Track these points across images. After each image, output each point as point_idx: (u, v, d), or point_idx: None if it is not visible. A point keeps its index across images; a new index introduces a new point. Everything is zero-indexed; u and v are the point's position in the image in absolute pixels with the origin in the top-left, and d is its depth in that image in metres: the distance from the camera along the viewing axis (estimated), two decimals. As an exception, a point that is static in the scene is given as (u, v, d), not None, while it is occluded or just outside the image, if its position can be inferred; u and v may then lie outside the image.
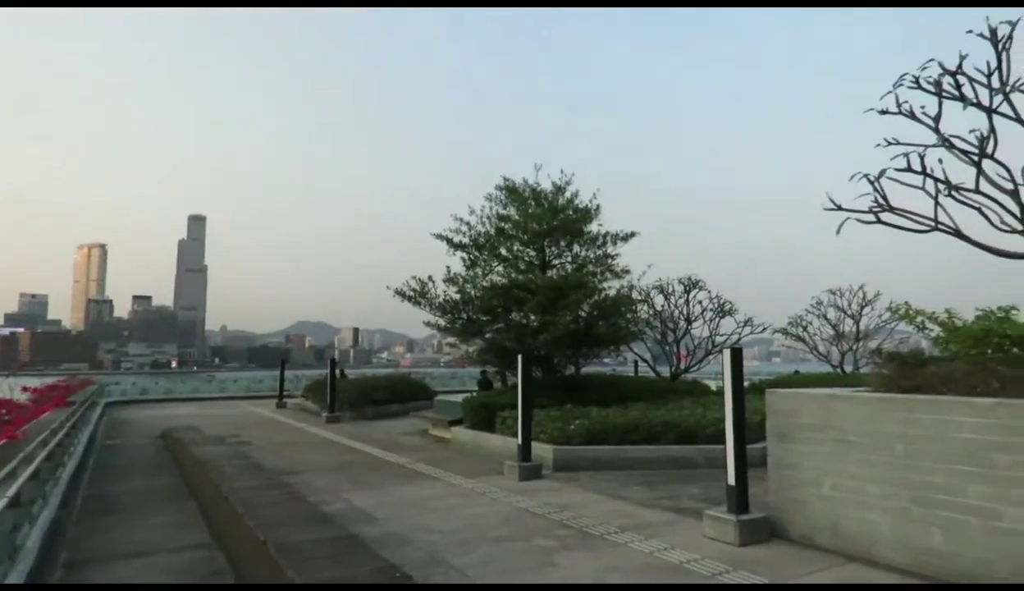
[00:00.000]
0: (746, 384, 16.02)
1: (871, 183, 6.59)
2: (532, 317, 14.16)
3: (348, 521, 6.75)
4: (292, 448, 13.71)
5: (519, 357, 10.31)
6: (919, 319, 6.78)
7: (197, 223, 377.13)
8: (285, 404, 25.22)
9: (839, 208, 6.91)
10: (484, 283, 15.20)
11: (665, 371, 18.18)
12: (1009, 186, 6.01)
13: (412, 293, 15.19)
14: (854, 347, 21.56)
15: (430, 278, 15.20)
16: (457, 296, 15.14)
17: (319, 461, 11.80)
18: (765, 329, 18.71)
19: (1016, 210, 5.87)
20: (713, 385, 16.27)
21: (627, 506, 7.68)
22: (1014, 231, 6.03)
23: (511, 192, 15.87)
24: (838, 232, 6.69)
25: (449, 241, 15.82)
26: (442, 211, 32.26)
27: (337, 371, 21.51)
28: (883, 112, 6.96)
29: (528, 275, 14.78)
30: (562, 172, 16.11)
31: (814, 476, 5.98)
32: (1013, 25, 5.96)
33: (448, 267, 15.46)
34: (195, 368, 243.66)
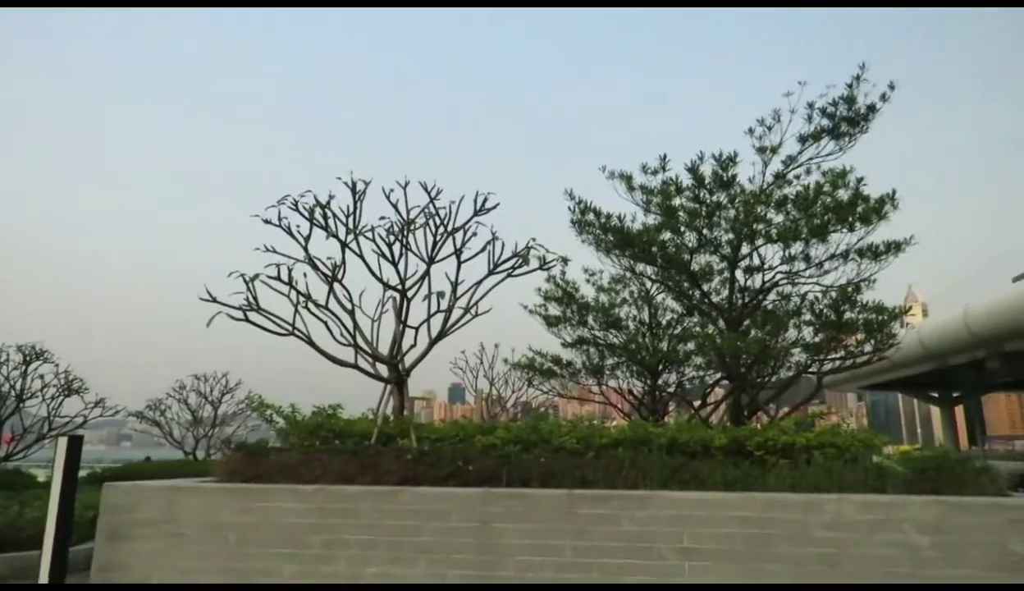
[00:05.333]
0: (86, 473, 14.02)
1: (246, 283, 7.12)
2: None
3: None
4: None
5: None
6: (268, 411, 7.48)
7: None
8: None
9: (214, 300, 7.17)
10: None
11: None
12: (349, 307, 7.45)
13: None
14: (210, 433, 21.87)
15: None
16: None
17: None
18: (118, 412, 17.18)
19: (350, 327, 7.29)
20: (43, 475, 13.70)
21: None
22: (348, 344, 7.44)
23: None
24: (208, 325, 6.91)
25: None
26: None
27: None
28: (266, 222, 7.73)
29: None
30: None
31: (143, 576, 5.66)
32: (367, 183, 7.64)
33: None
34: None
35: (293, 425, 7.18)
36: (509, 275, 7.61)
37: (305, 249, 7.60)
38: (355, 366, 7.35)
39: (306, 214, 7.62)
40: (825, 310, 8.66)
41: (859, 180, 8.97)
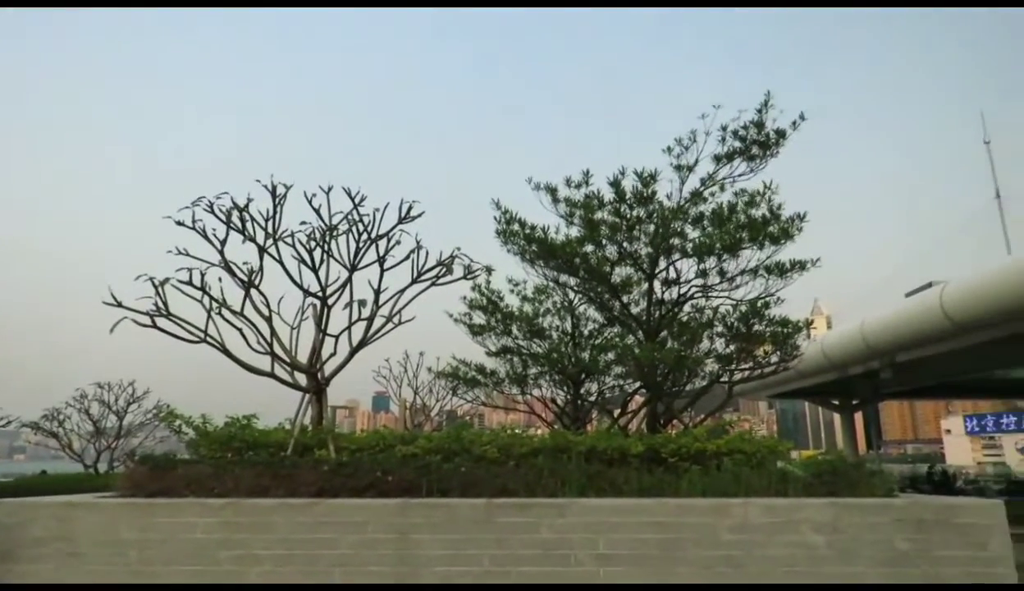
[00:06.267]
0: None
1: (155, 287, 6.79)
2: None
3: None
4: None
5: None
6: (177, 422, 7.14)
7: None
8: None
9: (119, 305, 6.80)
10: None
11: None
12: (266, 314, 7.23)
13: None
14: (113, 445, 20.59)
15: None
16: None
17: None
18: (10, 422, 15.96)
19: (267, 334, 7.07)
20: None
21: None
22: (265, 352, 7.21)
23: None
24: (112, 330, 6.54)
25: None
26: None
27: None
28: (179, 223, 7.40)
29: None
30: None
31: (32, 599, 5.28)
32: (288, 187, 7.45)
33: None
34: None
35: (203, 436, 6.89)
36: (433, 284, 7.59)
37: (221, 253, 7.34)
38: (271, 375, 7.13)
39: (222, 217, 7.36)
40: (736, 323, 9.09)
41: (770, 199, 9.48)
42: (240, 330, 6.89)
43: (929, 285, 14.01)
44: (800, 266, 9.14)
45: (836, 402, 23.59)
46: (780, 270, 9.19)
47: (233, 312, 6.98)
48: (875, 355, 15.93)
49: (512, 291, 12.23)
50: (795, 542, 5.30)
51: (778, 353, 9.45)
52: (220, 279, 7.33)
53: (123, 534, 5.43)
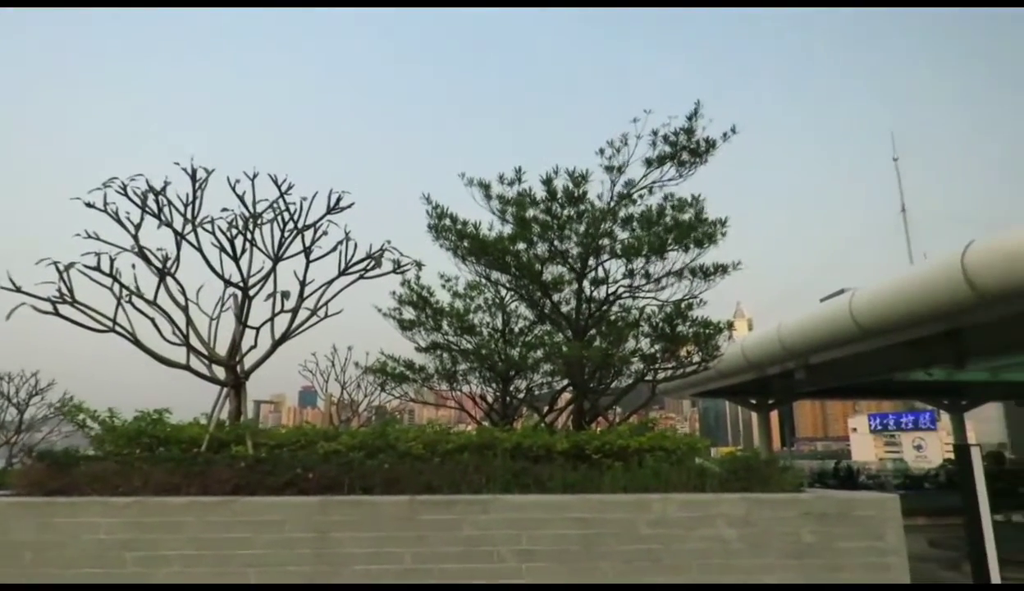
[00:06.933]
0: None
1: (59, 272, 6.36)
2: None
3: None
4: None
5: None
6: (81, 417, 6.72)
7: None
8: None
9: (18, 290, 6.34)
10: None
11: None
12: (183, 303, 6.89)
13: None
14: (13, 440, 19.21)
15: None
16: None
17: None
18: None
19: (183, 325, 6.75)
20: None
21: None
22: (181, 343, 6.88)
23: None
24: (8, 317, 6.08)
25: None
26: None
27: None
28: (89, 205, 6.96)
29: None
30: None
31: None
32: (209, 172, 7.13)
33: None
34: None
35: (109, 431, 6.50)
36: (362, 277, 7.43)
37: (135, 238, 6.94)
38: (187, 367, 6.81)
39: (137, 200, 6.97)
40: (661, 323, 9.35)
41: (698, 203, 9.79)
42: (152, 320, 6.53)
43: (842, 291, 14.79)
44: (723, 269, 9.48)
45: (754, 401, 24.62)
46: (704, 273, 9.51)
47: (146, 301, 6.62)
48: (791, 356, 16.70)
49: (444, 287, 12.16)
50: (711, 536, 5.49)
51: (700, 353, 9.78)
52: (134, 266, 6.95)
53: (17, 536, 5.06)
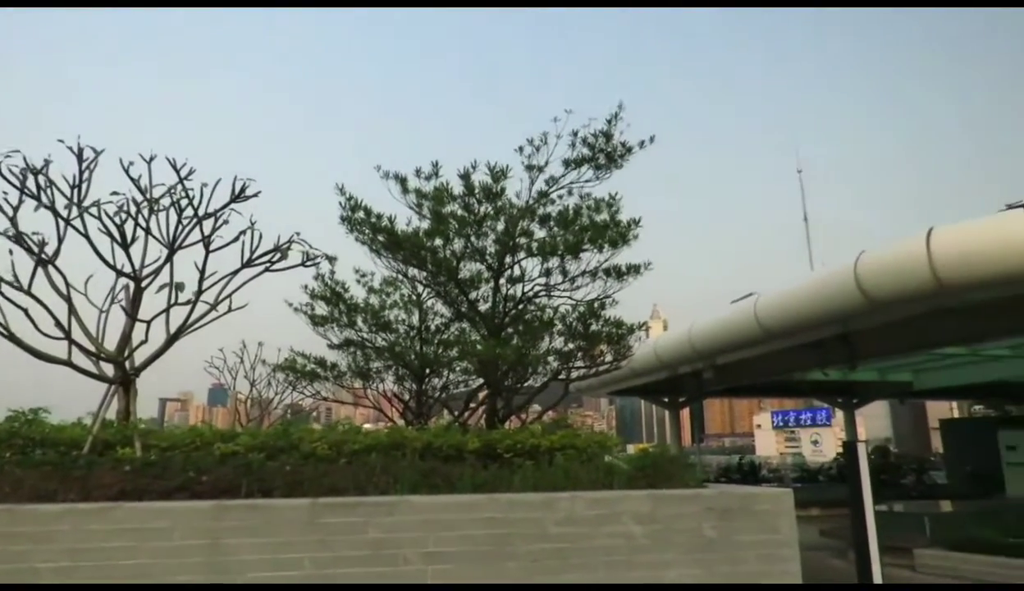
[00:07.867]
0: None
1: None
2: None
3: None
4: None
5: None
6: (-57, 417, 6.07)
7: None
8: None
9: None
10: None
11: None
12: (65, 293, 6.35)
13: None
14: None
15: None
16: None
17: None
18: None
19: (65, 318, 6.21)
20: None
21: None
22: (62, 337, 6.33)
23: None
24: None
25: None
26: None
27: None
28: (-44, 183, 6.30)
29: None
30: None
31: None
32: (98, 152, 6.61)
33: None
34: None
35: (-26, 433, 5.91)
36: (267, 269, 7.09)
37: (12, 221, 6.34)
38: (68, 363, 6.28)
39: (15, 180, 6.37)
40: (575, 322, 9.45)
41: (614, 204, 9.94)
42: (26, 311, 5.96)
43: (750, 295, 15.44)
44: (635, 270, 9.68)
45: (666, 399, 25.35)
46: (617, 273, 9.67)
47: (21, 290, 6.04)
48: (700, 357, 17.28)
49: (358, 282, 11.83)
50: (617, 533, 5.56)
51: (612, 352, 9.95)
52: (11, 252, 6.34)
53: None
